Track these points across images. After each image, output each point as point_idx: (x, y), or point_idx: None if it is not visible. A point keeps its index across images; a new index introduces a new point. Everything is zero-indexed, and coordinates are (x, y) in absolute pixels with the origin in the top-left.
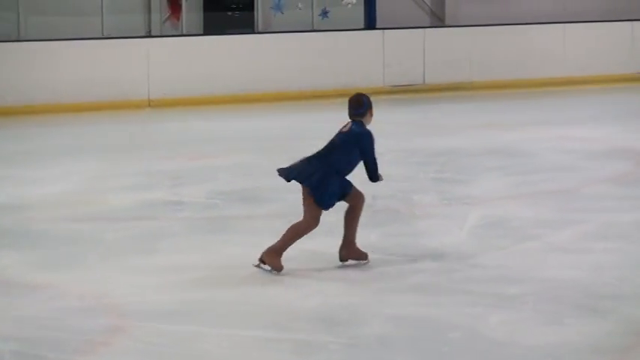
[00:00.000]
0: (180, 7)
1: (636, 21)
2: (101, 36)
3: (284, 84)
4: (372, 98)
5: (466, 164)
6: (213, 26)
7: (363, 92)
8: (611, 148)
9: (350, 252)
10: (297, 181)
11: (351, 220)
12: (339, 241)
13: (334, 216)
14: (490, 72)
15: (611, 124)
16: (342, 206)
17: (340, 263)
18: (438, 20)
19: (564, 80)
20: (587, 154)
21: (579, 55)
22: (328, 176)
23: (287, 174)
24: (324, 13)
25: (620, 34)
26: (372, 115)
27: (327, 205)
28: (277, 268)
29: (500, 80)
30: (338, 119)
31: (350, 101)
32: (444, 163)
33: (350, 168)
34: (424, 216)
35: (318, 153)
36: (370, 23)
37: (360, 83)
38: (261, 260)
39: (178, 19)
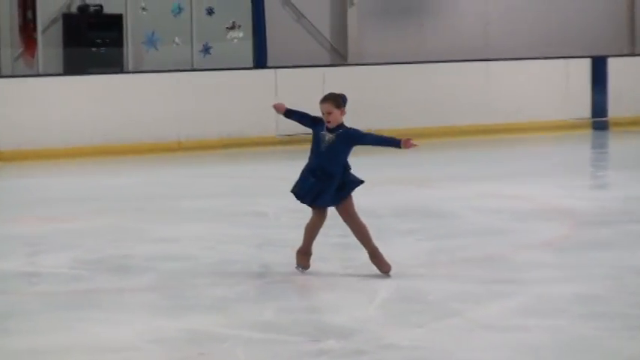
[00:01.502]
0: (35, 41)
1: (571, 58)
2: None
3: (158, 132)
4: (262, 150)
5: (374, 227)
6: (74, 64)
7: (253, 142)
8: (544, 208)
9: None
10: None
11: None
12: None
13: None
14: (401, 118)
15: (543, 179)
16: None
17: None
18: (340, 57)
19: (488, 128)
20: (517, 215)
21: (505, 98)
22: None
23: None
24: (206, 50)
25: (552, 73)
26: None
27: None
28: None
29: (413, 128)
30: (223, 174)
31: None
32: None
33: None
34: (326, 288)
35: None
36: (260, 61)
37: (248, 131)
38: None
39: (33, 55)
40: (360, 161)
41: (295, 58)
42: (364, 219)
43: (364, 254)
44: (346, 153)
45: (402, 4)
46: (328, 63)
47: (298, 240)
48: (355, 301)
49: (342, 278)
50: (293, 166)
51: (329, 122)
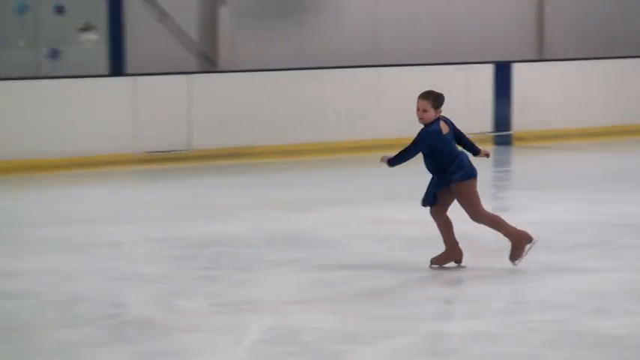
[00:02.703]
0: None
1: (472, 64)
2: None
3: None
4: (119, 169)
5: (244, 257)
6: None
7: (112, 161)
8: (436, 235)
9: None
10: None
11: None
12: None
13: None
14: (277, 131)
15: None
16: None
17: None
18: (210, 64)
19: (377, 143)
20: (405, 243)
21: (398, 109)
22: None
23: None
24: (54, 54)
25: (451, 81)
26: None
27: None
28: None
29: (291, 144)
30: (72, 197)
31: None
32: (214, 257)
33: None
34: (188, 328)
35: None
36: (117, 67)
37: (103, 148)
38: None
39: None
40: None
41: (158, 63)
42: (230, 248)
43: (233, 289)
44: (425, 151)
45: (280, 2)
46: (196, 69)
47: (158, 274)
48: (221, 344)
49: (207, 317)
50: (155, 187)
51: (421, 119)
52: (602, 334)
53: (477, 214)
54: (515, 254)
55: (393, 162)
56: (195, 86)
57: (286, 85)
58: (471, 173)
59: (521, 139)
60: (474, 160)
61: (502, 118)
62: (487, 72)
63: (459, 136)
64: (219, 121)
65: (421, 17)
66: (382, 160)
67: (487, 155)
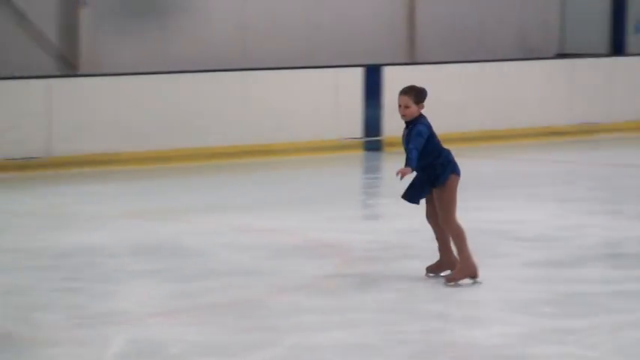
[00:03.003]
0: None
1: (342, 67)
2: None
3: None
4: None
5: (106, 268)
6: None
7: None
8: (306, 244)
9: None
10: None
11: None
12: None
13: None
14: (142, 138)
15: (307, 209)
16: None
17: None
18: (70, 66)
19: (244, 149)
20: (274, 252)
21: (265, 114)
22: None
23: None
24: None
25: (319, 85)
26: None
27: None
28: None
29: (155, 151)
30: None
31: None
32: (75, 268)
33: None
34: (48, 342)
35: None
36: None
37: None
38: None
39: None
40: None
41: (14, 67)
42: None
43: (95, 300)
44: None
45: (144, 3)
46: (55, 73)
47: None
48: (81, 358)
49: (67, 330)
50: (12, 196)
51: (404, 116)
52: (473, 344)
53: (448, 220)
54: (455, 277)
55: (413, 165)
56: (54, 91)
57: (150, 89)
58: (456, 169)
59: (392, 144)
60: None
61: (372, 123)
62: (357, 75)
63: None
64: (80, 127)
65: (289, 19)
66: (400, 173)
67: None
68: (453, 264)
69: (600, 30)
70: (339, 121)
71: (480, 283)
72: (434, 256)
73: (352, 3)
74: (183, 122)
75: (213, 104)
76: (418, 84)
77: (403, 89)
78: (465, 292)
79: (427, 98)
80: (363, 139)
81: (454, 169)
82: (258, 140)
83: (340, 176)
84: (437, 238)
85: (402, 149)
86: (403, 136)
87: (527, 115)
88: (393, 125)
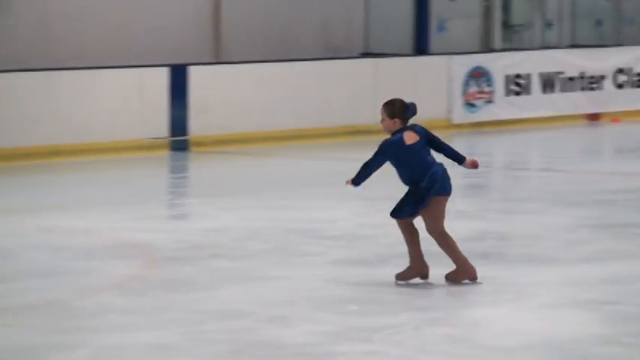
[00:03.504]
0: None
1: (148, 67)
2: None
3: None
4: None
5: None
6: None
7: None
8: (114, 244)
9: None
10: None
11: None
12: None
13: None
14: None
15: (114, 210)
16: None
17: None
18: None
19: (50, 150)
20: (83, 252)
21: (72, 114)
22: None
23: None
24: None
25: (125, 85)
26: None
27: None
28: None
29: None
30: None
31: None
32: None
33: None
34: None
35: None
36: None
37: None
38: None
39: None
40: None
41: None
42: None
43: None
44: (394, 164)
45: None
46: None
47: None
48: None
49: None
50: None
51: (383, 129)
52: (280, 343)
53: (436, 230)
54: (457, 278)
55: (356, 181)
56: None
57: None
58: (443, 189)
59: (199, 144)
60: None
61: (178, 123)
62: (162, 75)
63: (437, 146)
64: None
65: (93, 17)
66: (348, 182)
67: (475, 165)
68: (422, 270)
69: (404, 30)
70: (145, 120)
71: (480, 283)
72: (240, 255)
73: (157, 2)
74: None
75: (17, 104)
76: (224, 83)
77: (384, 102)
78: (271, 292)
79: (236, 97)
80: (169, 139)
81: (438, 192)
82: (63, 140)
83: (147, 176)
84: (407, 243)
85: (210, 148)
86: None
87: (333, 114)
88: (199, 125)
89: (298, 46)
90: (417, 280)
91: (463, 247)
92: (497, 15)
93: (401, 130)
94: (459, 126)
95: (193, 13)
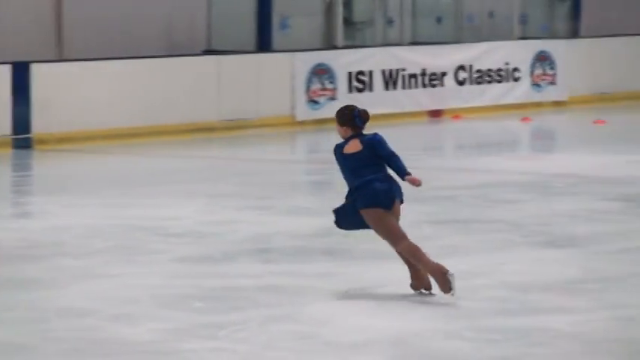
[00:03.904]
0: None
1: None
2: None
3: None
4: None
5: None
6: None
7: None
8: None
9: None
10: None
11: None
12: None
13: None
14: None
15: None
16: None
17: None
18: None
19: None
20: None
21: None
22: None
23: None
24: None
25: None
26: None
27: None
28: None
29: None
30: None
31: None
32: None
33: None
34: None
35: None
36: None
37: None
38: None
39: None
40: None
41: None
42: None
43: None
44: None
45: None
46: None
47: None
48: None
49: None
50: None
51: None
52: (125, 341)
53: (397, 244)
54: (445, 286)
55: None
56: None
57: None
58: (373, 201)
59: (42, 142)
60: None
61: (21, 121)
62: (4, 72)
63: (385, 158)
64: None
65: None
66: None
67: (414, 183)
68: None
69: (247, 27)
70: None
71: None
72: (84, 253)
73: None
74: None
75: None
76: (67, 81)
77: None
78: (116, 290)
79: (78, 94)
80: (12, 137)
81: (366, 204)
82: None
83: None
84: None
85: (54, 146)
86: None
87: (176, 111)
88: (42, 123)
89: (141, 44)
90: (262, 277)
91: (310, 244)
92: (339, 12)
93: (350, 138)
94: (303, 123)
95: (35, 10)
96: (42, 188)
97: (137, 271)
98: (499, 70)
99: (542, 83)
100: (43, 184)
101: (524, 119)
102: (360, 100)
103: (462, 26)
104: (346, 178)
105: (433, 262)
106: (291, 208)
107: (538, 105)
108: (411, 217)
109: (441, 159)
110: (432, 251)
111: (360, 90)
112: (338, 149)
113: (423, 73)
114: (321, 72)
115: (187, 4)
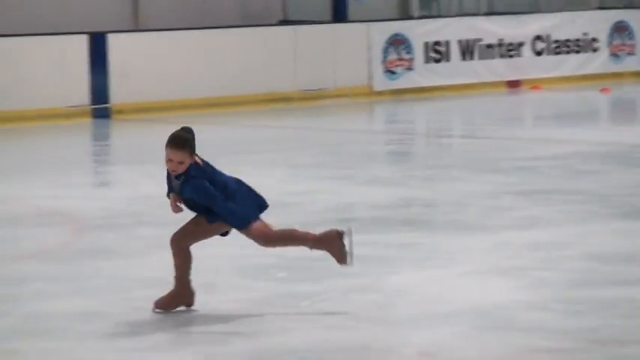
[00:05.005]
0: None
1: (68, 35)
2: None
3: None
4: None
5: None
6: None
7: None
8: (38, 212)
9: None
10: None
11: None
12: None
13: None
14: None
15: (35, 178)
16: None
17: None
18: None
19: None
20: (5, 221)
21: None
22: None
23: None
24: None
25: (46, 53)
26: None
27: None
28: None
29: None
30: None
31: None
32: None
33: None
34: None
35: None
36: None
37: None
38: None
39: None
40: None
41: None
42: None
43: None
44: None
45: None
46: None
47: None
48: None
49: None
50: None
51: None
52: (209, 310)
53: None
54: (341, 256)
55: None
56: None
57: None
58: None
59: (120, 111)
60: None
61: (99, 91)
62: (82, 43)
63: None
64: None
65: None
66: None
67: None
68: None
69: None
70: (66, 88)
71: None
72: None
73: None
74: None
75: None
76: (143, 51)
77: None
78: (198, 259)
79: (154, 64)
80: (90, 107)
81: None
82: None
83: (69, 144)
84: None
85: (130, 116)
86: None
87: (252, 81)
88: (120, 93)
89: (217, 14)
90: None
91: (390, 214)
92: None
93: None
94: (380, 93)
95: None
96: (121, 157)
97: (217, 240)
98: (577, 40)
99: (620, 54)
100: (122, 154)
101: (604, 90)
102: (437, 70)
103: None
104: None
105: (318, 235)
106: (371, 178)
107: (618, 75)
108: (490, 187)
109: (520, 129)
110: (512, 222)
111: (436, 60)
112: None
113: (500, 44)
114: (398, 42)
115: None
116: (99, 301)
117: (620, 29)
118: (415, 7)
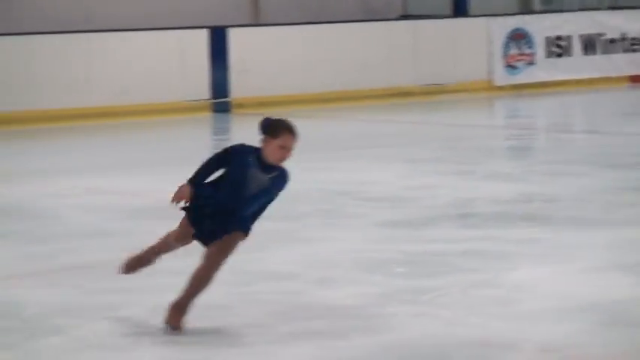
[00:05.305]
0: None
1: (187, 29)
2: None
3: None
4: None
5: None
6: None
7: None
8: (159, 205)
9: None
10: None
11: None
12: None
13: None
14: None
15: (157, 171)
16: None
17: None
18: None
19: (88, 112)
20: (128, 214)
21: (110, 77)
22: None
23: None
24: None
25: (164, 47)
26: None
27: None
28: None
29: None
30: None
31: None
32: None
33: None
34: None
35: None
36: None
37: None
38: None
39: None
40: None
41: None
42: None
43: None
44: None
45: None
46: None
47: None
48: None
49: None
50: None
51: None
52: (328, 305)
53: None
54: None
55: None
56: None
57: None
58: None
59: (240, 105)
60: None
61: (219, 85)
62: (202, 37)
63: None
64: None
65: None
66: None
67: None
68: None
69: None
70: (186, 83)
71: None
72: (286, 216)
73: None
74: (26, 84)
75: (58, 66)
76: (263, 45)
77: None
78: (317, 254)
79: (274, 58)
80: (210, 101)
81: None
82: (104, 102)
83: (190, 138)
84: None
85: (251, 110)
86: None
87: (372, 76)
88: (239, 87)
89: (337, 9)
90: (463, 242)
91: (511, 209)
92: None
93: None
94: (501, 88)
95: None
96: None
97: (338, 235)
98: None
99: None
100: None
101: None
102: (559, 65)
103: None
104: None
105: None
106: (491, 173)
107: None
108: (612, 183)
109: None
110: (633, 218)
111: (558, 55)
112: None
113: (623, 38)
114: (519, 37)
115: None
116: (221, 295)
117: None
118: (536, 2)
